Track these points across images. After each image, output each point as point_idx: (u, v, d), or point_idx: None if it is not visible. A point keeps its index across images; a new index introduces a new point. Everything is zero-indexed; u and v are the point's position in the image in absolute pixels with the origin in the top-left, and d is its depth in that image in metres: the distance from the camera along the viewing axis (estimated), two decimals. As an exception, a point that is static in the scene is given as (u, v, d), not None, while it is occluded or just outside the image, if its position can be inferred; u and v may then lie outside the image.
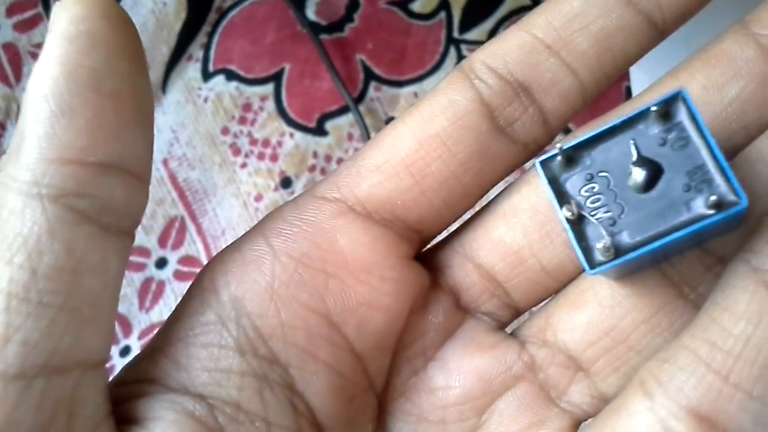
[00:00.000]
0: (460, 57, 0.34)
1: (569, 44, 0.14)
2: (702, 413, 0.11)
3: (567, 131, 0.32)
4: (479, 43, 0.34)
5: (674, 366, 0.12)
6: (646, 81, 0.31)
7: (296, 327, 0.13)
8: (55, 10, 0.12)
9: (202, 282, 0.14)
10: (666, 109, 0.12)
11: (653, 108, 0.12)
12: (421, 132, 0.14)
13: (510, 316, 0.15)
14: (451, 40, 0.34)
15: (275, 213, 0.15)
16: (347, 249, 0.14)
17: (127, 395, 0.13)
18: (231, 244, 0.15)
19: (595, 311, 0.14)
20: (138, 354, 0.14)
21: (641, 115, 0.12)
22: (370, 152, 0.15)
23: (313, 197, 0.15)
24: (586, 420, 0.14)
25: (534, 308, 0.15)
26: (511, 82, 0.14)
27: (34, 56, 0.35)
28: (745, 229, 0.13)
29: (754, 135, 0.14)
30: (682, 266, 0.13)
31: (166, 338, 0.14)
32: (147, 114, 0.12)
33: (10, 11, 0.35)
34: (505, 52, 0.14)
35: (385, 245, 0.14)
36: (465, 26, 0.34)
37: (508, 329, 0.15)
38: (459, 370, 0.14)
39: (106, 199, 0.12)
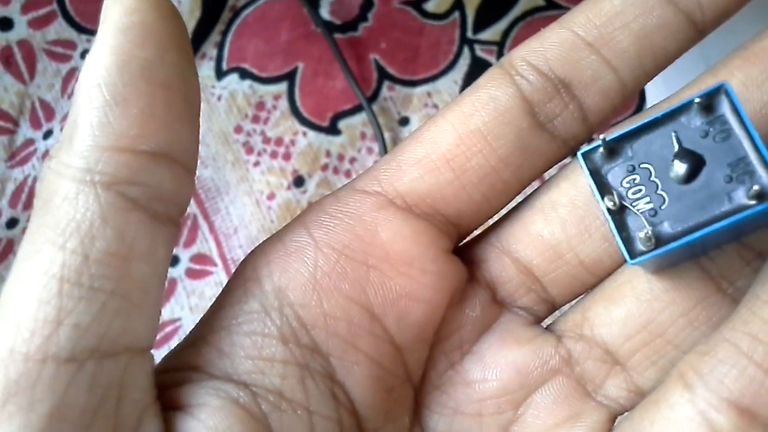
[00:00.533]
0: (474, 57, 0.34)
1: (610, 42, 0.14)
2: (743, 405, 0.12)
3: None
4: (493, 43, 0.34)
5: (714, 358, 0.12)
6: (659, 80, 0.31)
7: (338, 317, 0.14)
8: (107, 2, 0.12)
9: (244, 272, 0.14)
10: (708, 102, 0.13)
11: (696, 100, 0.12)
12: (462, 127, 0.14)
13: (546, 311, 0.15)
14: (464, 40, 0.34)
15: (316, 205, 0.15)
16: (388, 241, 0.14)
17: (171, 382, 0.13)
18: (272, 235, 0.15)
19: (632, 305, 0.14)
20: (180, 342, 0.14)
21: (684, 108, 0.13)
22: (410, 146, 0.15)
23: (354, 190, 0.15)
24: (622, 414, 0.14)
25: (570, 303, 0.15)
26: (551, 79, 0.14)
27: (48, 53, 0.35)
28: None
29: None
30: (720, 260, 0.14)
31: (209, 327, 0.14)
32: (195, 105, 0.13)
33: (25, 8, 0.35)
34: (546, 49, 0.14)
35: (426, 238, 0.14)
36: (479, 26, 0.34)
37: (545, 324, 0.15)
38: (496, 363, 0.15)
39: (156, 187, 0.12)
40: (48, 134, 0.34)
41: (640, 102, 0.33)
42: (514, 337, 0.15)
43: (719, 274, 0.14)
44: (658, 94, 0.32)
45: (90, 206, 0.11)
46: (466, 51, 0.34)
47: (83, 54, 0.35)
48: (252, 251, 0.14)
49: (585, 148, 0.13)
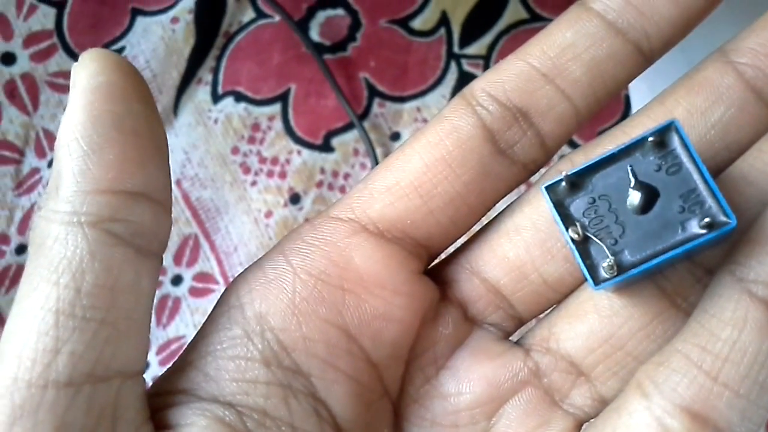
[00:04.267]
0: (461, 71, 0.35)
1: (563, 72, 0.15)
2: (695, 411, 0.12)
3: (573, 144, 0.33)
4: (479, 57, 0.35)
5: (668, 368, 0.13)
6: (645, 89, 0.32)
7: (317, 339, 0.14)
8: (75, 69, 0.13)
9: (228, 299, 0.15)
10: (660, 138, 0.14)
11: (649, 138, 0.13)
12: (428, 156, 0.15)
13: (514, 326, 0.16)
14: (451, 56, 0.35)
15: (293, 234, 0.16)
16: (362, 266, 0.15)
17: (161, 404, 0.14)
18: (253, 263, 0.16)
19: (594, 321, 0.15)
20: (169, 367, 0.15)
21: (638, 144, 0.14)
22: (380, 175, 0.16)
23: (329, 218, 0.16)
24: (588, 421, 0.15)
25: (537, 318, 0.16)
26: (510, 108, 0.15)
27: (51, 85, 0.36)
28: (730, 243, 0.14)
29: (735, 155, 0.15)
30: (674, 278, 0.15)
31: (195, 352, 0.15)
32: (163, 148, 0.14)
33: (27, 42, 0.36)
34: (504, 80, 0.15)
35: (397, 261, 0.15)
36: (465, 41, 0.35)
37: (513, 338, 0.16)
38: (469, 377, 0.15)
39: (138, 223, 0.13)
40: (52, 163, 0.35)
41: (625, 109, 0.34)
42: (485, 352, 0.16)
43: (673, 291, 0.15)
44: (643, 98, 0.33)
45: (79, 244, 0.13)
46: (453, 66, 0.35)
47: (84, 84, 0.36)
48: (234, 279, 0.15)
49: (548, 182, 0.14)
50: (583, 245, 0.14)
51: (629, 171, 0.14)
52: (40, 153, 0.35)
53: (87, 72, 0.13)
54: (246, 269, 0.15)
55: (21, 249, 0.33)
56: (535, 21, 0.34)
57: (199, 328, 0.15)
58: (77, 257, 0.13)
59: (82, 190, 0.13)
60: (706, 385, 0.13)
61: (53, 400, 0.12)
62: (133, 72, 0.14)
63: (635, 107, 0.33)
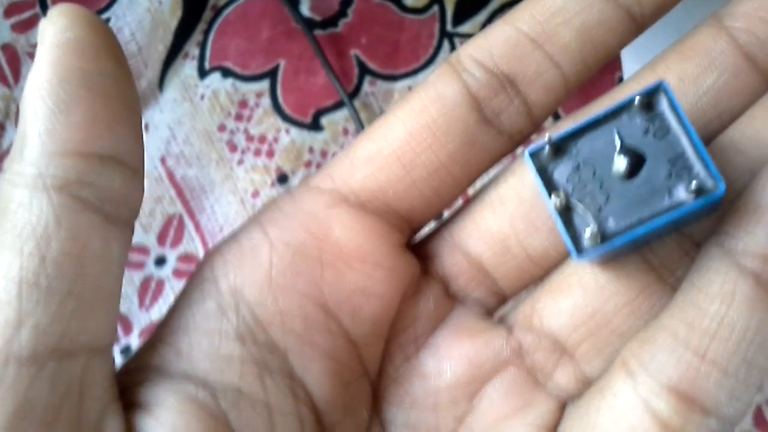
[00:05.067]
0: (454, 50, 0.34)
1: (552, 38, 0.14)
2: (681, 390, 0.12)
3: (556, 117, 0.33)
4: (473, 35, 0.34)
5: (654, 346, 0.13)
6: (639, 66, 0.31)
7: (294, 315, 0.14)
8: (42, 24, 0.13)
9: (201, 272, 0.14)
10: (648, 100, 0.13)
11: (636, 98, 0.13)
12: (412, 123, 0.15)
13: (497, 303, 0.16)
14: (444, 34, 0.34)
15: (271, 204, 0.15)
16: (342, 238, 0.14)
17: (131, 382, 0.13)
18: (229, 234, 0.15)
19: (578, 296, 0.14)
20: (140, 345, 0.14)
21: (624, 106, 0.13)
22: (362, 143, 0.15)
23: (308, 188, 0.15)
24: (572, 402, 0.14)
25: (520, 294, 0.16)
26: (497, 75, 0.15)
27: (32, 57, 0.35)
28: (718, 214, 0.13)
29: (727, 123, 0.14)
30: (661, 251, 0.14)
31: (167, 327, 0.14)
32: (135, 110, 0.13)
33: (8, 12, 0.36)
34: (491, 46, 0.15)
35: (378, 234, 0.15)
36: (458, 19, 0.34)
37: (496, 316, 0.16)
38: (449, 355, 0.15)
39: (106, 188, 0.13)
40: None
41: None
42: (466, 330, 0.15)
43: (660, 265, 0.14)
44: (634, 66, 0.32)
45: (44, 209, 0.12)
46: (446, 44, 0.34)
47: (67, 57, 0.35)
48: (208, 251, 0.15)
49: (532, 147, 0.13)
50: (566, 213, 0.13)
51: (615, 135, 0.13)
52: (22, 128, 0.34)
53: (55, 27, 0.12)
54: (221, 241, 0.15)
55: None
56: (530, -1, 0.34)
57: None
58: (42, 223, 0.12)
59: (47, 152, 0.12)
60: (693, 364, 0.12)
61: (15, 377, 0.11)
62: (104, 28, 0.13)
63: (627, 74, 0.33)
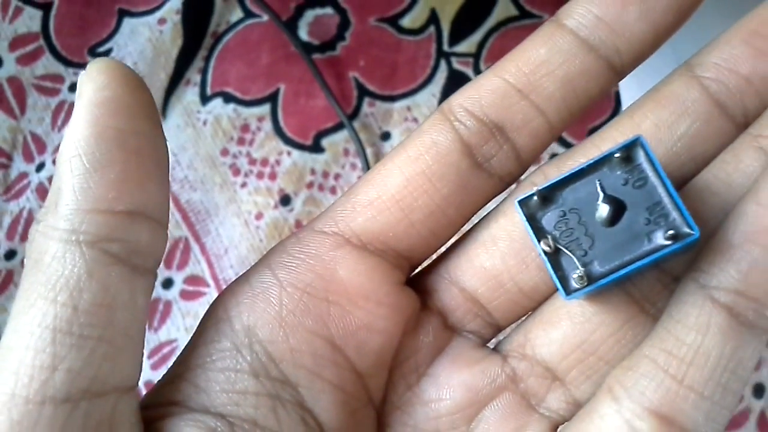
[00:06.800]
0: (451, 70, 0.35)
1: (537, 88, 0.15)
2: (662, 413, 0.13)
3: (563, 141, 0.33)
4: (469, 55, 0.35)
5: (637, 372, 0.14)
6: (635, 85, 0.32)
7: (303, 351, 0.15)
8: (81, 79, 0.13)
9: (215, 312, 0.15)
10: (626, 154, 0.14)
11: (616, 154, 0.14)
12: (408, 170, 0.16)
13: (492, 333, 0.17)
14: (441, 54, 0.35)
15: (279, 247, 0.16)
16: (346, 278, 0.15)
17: (154, 417, 0.14)
18: (240, 277, 0.16)
19: (567, 327, 0.15)
20: (159, 380, 0.15)
21: (605, 159, 0.14)
22: (363, 189, 0.16)
23: (313, 231, 0.16)
24: (563, 423, 0.16)
25: (513, 325, 0.17)
26: (486, 123, 0.16)
27: (37, 88, 0.36)
28: (695, 251, 0.14)
29: (701, 166, 0.15)
30: (642, 285, 0.15)
31: (185, 365, 0.15)
32: (164, 166, 0.14)
33: (13, 45, 0.36)
34: (481, 96, 0.16)
35: (380, 273, 0.16)
36: (454, 39, 0.35)
37: (491, 345, 0.17)
38: (449, 383, 0.16)
39: (134, 242, 0.13)
40: (40, 167, 0.35)
41: (615, 106, 0.34)
42: (464, 358, 0.16)
43: (642, 297, 0.15)
44: (632, 95, 0.33)
45: (77, 263, 0.13)
46: (443, 64, 0.35)
47: (71, 87, 0.36)
48: (221, 292, 0.16)
49: (521, 196, 0.15)
50: (554, 257, 0.14)
51: (597, 185, 0.14)
52: (28, 157, 0.35)
53: (94, 84, 0.13)
54: (232, 282, 0.16)
55: (9, 254, 0.33)
56: (524, 18, 0.34)
57: (189, 335, 0.16)
58: (75, 276, 0.13)
59: (81, 209, 0.13)
60: (672, 389, 0.13)
61: (51, 416, 0.12)
62: (141, 86, 0.14)
63: (625, 104, 0.34)
